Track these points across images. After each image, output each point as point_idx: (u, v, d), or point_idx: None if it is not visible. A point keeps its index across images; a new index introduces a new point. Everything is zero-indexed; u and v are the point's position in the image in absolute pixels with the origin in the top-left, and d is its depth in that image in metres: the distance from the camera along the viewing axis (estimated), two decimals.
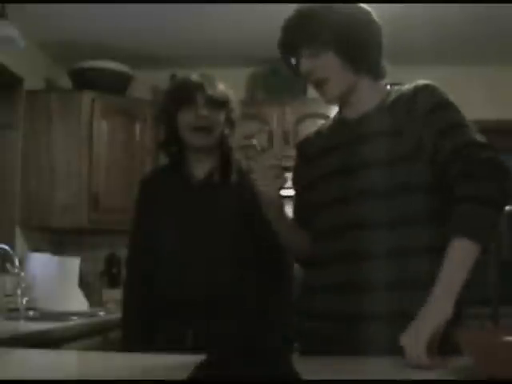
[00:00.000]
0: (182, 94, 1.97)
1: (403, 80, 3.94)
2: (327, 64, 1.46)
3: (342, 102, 1.54)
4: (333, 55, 1.45)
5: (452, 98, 1.44)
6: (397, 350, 1.21)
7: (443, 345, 1.20)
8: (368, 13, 1.50)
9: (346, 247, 1.43)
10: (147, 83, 4.27)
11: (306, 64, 1.47)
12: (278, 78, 3.98)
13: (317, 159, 1.56)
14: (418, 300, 1.26)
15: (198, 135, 1.95)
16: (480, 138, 1.38)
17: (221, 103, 1.98)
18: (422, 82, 1.47)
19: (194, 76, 1.99)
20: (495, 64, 4.01)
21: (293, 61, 1.53)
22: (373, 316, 1.37)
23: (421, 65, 3.91)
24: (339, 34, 1.45)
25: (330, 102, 1.51)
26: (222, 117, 1.99)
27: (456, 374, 1.06)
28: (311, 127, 4.27)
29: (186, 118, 1.95)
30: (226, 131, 2.02)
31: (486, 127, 4.85)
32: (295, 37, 1.48)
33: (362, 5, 1.52)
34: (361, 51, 1.47)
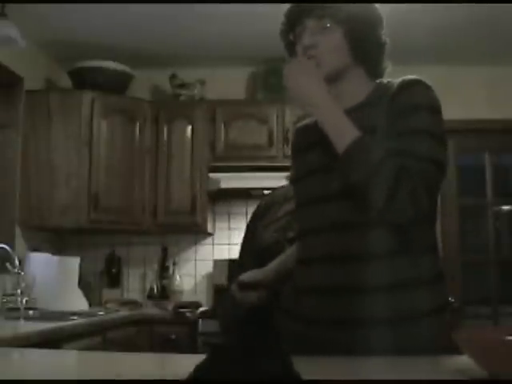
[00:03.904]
0: None
1: None
2: (332, 43, 1.42)
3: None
4: (341, 36, 1.42)
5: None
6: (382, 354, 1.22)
7: (444, 344, 1.20)
8: (378, 9, 1.48)
9: (327, 249, 1.39)
10: (147, 83, 4.28)
11: (310, 37, 1.42)
12: (278, 78, 3.95)
13: (302, 153, 1.52)
14: (408, 302, 1.27)
15: None
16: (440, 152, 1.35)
17: None
18: (409, 78, 1.41)
19: None
20: (496, 64, 4.01)
21: (291, 36, 1.48)
22: (356, 320, 1.33)
23: (421, 65, 3.92)
24: (353, 16, 1.42)
25: None
26: None
27: (456, 374, 1.06)
28: None
29: None
30: None
31: (487, 127, 4.83)
32: (308, 5, 1.43)
33: None
34: (368, 41, 1.44)
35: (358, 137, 1.32)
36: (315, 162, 1.45)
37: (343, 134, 1.34)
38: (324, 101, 1.37)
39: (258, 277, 1.59)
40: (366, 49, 1.45)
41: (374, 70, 1.49)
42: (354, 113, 1.41)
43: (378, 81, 1.48)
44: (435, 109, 1.38)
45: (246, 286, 1.57)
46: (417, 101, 1.36)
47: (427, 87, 1.39)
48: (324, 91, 1.37)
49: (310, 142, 1.49)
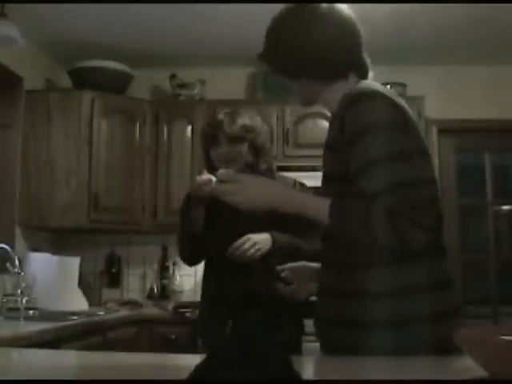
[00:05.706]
0: (208, 135, 2.32)
1: (403, 80, 3.94)
2: (284, 80, 1.63)
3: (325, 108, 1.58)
4: (289, 80, 1.62)
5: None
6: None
7: (443, 345, 1.20)
8: (337, 17, 1.49)
9: (335, 253, 1.43)
10: (147, 83, 4.28)
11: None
12: (278, 78, 3.98)
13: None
14: (408, 307, 1.28)
15: (225, 167, 2.23)
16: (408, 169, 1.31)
17: (239, 138, 2.25)
18: (358, 90, 1.40)
19: (220, 115, 2.30)
20: (495, 64, 4.01)
21: None
22: (359, 322, 1.34)
23: (421, 65, 3.92)
24: (282, 58, 1.63)
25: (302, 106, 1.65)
26: (244, 148, 2.27)
27: (456, 373, 1.06)
28: (311, 127, 4.24)
29: (213, 155, 2.32)
30: (250, 160, 2.28)
31: (486, 127, 4.82)
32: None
33: (338, 6, 1.50)
34: (301, 67, 1.54)
35: (329, 207, 1.32)
36: (325, 165, 1.49)
37: (318, 210, 1.34)
38: (284, 195, 1.41)
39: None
40: (307, 72, 1.54)
41: (336, 77, 1.50)
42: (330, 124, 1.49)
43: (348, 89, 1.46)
44: (392, 126, 1.34)
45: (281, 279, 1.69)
46: (367, 122, 1.33)
47: (377, 102, 1.36)
48: (276, 186, 1.45)
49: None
